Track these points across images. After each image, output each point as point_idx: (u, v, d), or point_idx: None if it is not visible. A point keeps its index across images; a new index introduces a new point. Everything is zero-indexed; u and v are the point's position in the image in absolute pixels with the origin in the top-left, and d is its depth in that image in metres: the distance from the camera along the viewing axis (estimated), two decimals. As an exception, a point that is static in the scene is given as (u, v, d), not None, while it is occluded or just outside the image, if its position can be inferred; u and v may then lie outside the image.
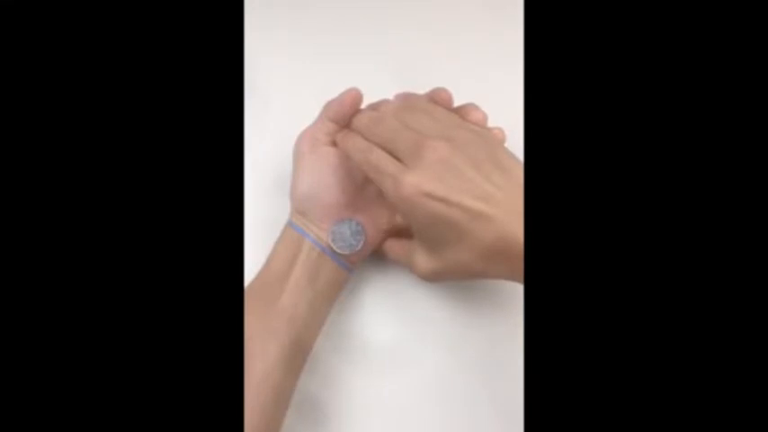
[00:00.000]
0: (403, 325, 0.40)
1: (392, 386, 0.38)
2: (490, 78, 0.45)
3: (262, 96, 0.45)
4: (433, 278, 0.33)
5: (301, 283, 0.35)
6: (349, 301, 0.40)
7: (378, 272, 0.40)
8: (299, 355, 0.35)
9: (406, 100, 0.36)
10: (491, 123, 0.36)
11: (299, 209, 0.36)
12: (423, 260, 0.33)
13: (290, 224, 0.37)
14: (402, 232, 0.37)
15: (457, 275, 0.32)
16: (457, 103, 0.36)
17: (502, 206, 0.29)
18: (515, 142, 0.36)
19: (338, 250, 0.35)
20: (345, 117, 0.36)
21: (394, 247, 0.37)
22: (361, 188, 0.37)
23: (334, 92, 0.36)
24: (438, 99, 0.36)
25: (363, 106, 0.37)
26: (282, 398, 0.34)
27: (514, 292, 0.40)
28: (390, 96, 0.37)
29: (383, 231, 0.37)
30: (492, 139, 0.32)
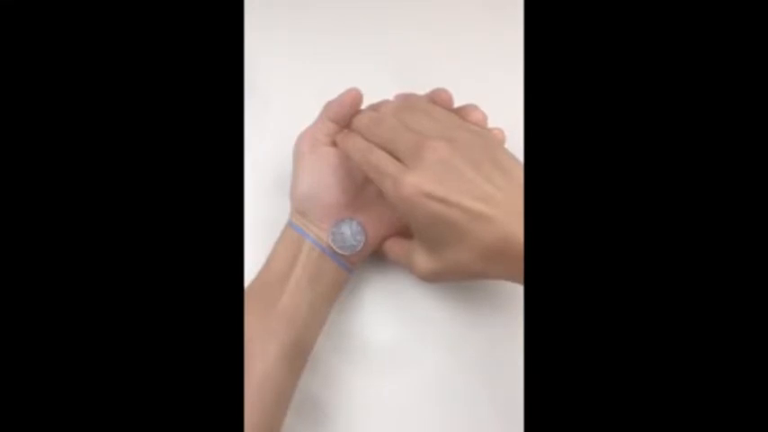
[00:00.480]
0: (403, 325, 0.40)
1: (392, 386, 0.38)
2: (490, 78, 0.45)
3: (262, 96, 0.45)
4: (432, 278, 0.33)
5: (301, 284, 0.35)
6: (349, 301, 0.40)
7: (378, 272, 0.40)
8: (299, 356, 0.35)
9: (407, 100, 0.36)
10: (491, 124, 0.36)
11: (299, 209, 0.36)
12: (422, 260, 0.33)
13: (290, 224, 0.37)
14: (402, 232, 0.37)
15: (457, 276, 0.32)
16: (457, 103, 0.36)
17: (502, 207, 0.29)
18: (515, 142, 0.36)
19: (338, 250, 0.35)
20: (345, 117, 0.36)
21: (394, 247, 0.37)
22: (361, 188, 0.37)
23: (334, 92, 0.36)
24: (438, 99, 0.36)
25: (363, 106, 0.37)
26: (283, 398, 0.34)
27: (514, 293, 0.40)
28: (390, 96, 0.37)
29: (383, 231, 0.37)
30: (492, 140, 0.32)
